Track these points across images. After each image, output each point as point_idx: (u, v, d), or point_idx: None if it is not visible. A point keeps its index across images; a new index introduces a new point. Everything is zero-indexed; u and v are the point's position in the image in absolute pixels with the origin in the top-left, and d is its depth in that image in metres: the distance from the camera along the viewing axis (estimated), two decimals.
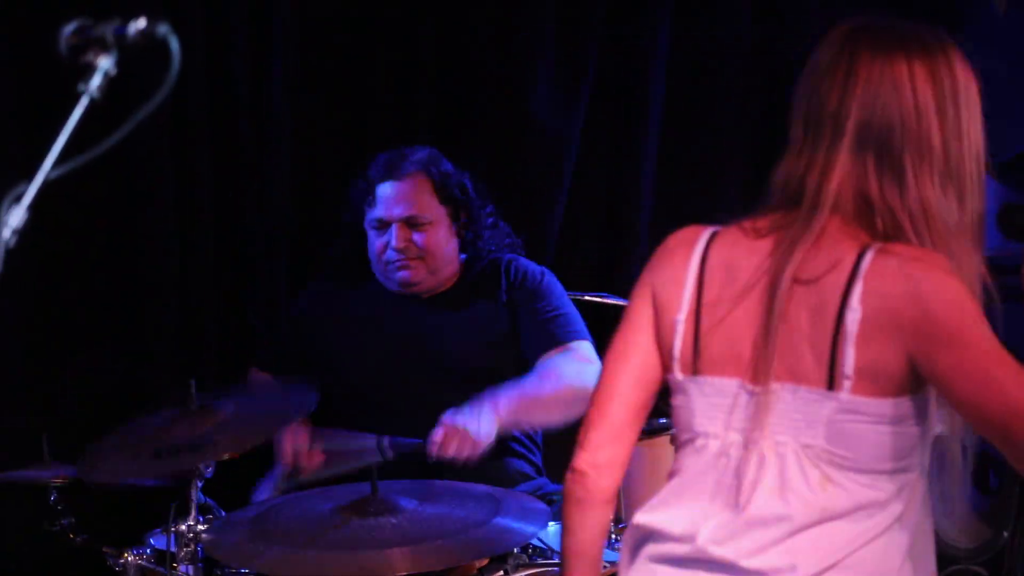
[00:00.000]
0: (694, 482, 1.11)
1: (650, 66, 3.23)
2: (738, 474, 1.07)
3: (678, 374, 1.12)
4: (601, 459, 1.17)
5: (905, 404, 1.04)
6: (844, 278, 1.02)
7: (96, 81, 0.83)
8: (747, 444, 1.07)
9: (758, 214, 1.13)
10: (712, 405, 1.10)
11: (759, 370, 1.06)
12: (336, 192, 2.83)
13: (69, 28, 0.84)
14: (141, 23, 0.83)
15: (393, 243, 2.47)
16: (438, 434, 2.26)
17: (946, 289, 1.01)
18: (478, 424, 2.22)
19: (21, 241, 0.79)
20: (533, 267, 2.59)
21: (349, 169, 2.80)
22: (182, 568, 2.04)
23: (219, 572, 2.21)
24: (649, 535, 1.12)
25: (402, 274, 2.51)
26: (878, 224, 1.04)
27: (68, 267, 2.83)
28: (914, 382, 1.03)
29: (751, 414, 1.06)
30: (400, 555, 1.87)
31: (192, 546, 2.01)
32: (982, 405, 1.02)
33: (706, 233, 1.14)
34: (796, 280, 1.03)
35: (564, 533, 1.21)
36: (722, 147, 3.37)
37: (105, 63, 0.83)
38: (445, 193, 2.55)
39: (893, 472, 1.06)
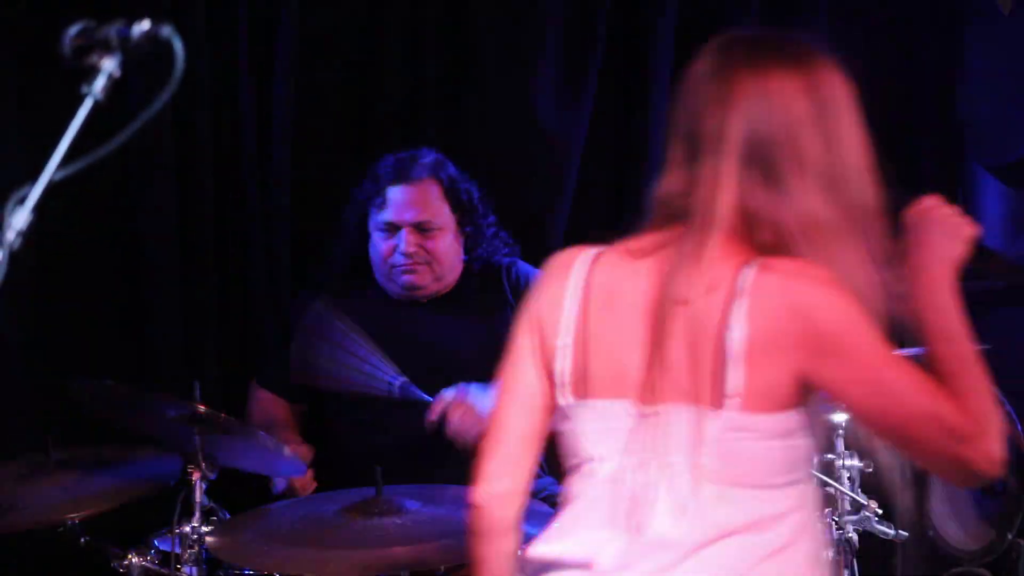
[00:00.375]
0: (588, 508, 1.10)
1: (655, 64, 3.23)
2: (633, 497, 1.06)
3: (566, 399, 1.11)
4: (498, 490, 1.18)
5: (794, 418, 1.04)
6: (727, 296, 1.02)
7: (100, 83, 0.83)
8: (640, 466, 1.06)
9: (637, 233, 1.12)
10: (602, 429, 1.09)
11: (648, 391, 1.05)
12: (338, 198, 2.83)
13: (73, 30, 0.83)
14: (145, 25, 0.83)
15: (402, 247, 2.48)
16: (447, 395, 2.29)
17: (829, 301, 1.01)
18: (485, 403, 2.22)
19: (24, 243, 0.80)
20: (532, 270, 2.59)
21: (352, 173, 2.80)
22: (186, 569, 2.05)
23: (223, 573, 2.23)
24: (547, 566, 1.11)
25: (407, 278, 2.52)
26: (761, 238, 1.04)
27: (66, 272, 2.83)
28: (802, 395, 1.03)
29: (642, 436, 1.06)
30: (403, 553, 1.89)
31: (196, 547, 2.02)
32: (879, 412, 1.03)
33: (585, 255, 1.13)
34: (681, 300, 1.03)
35: (475, 566, 1.22)
36: None
37: (109, 65, 0.83)
38: (454, 199, 2.56)
39: (787, 485, 1.06)
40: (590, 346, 1.10)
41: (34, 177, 0.82)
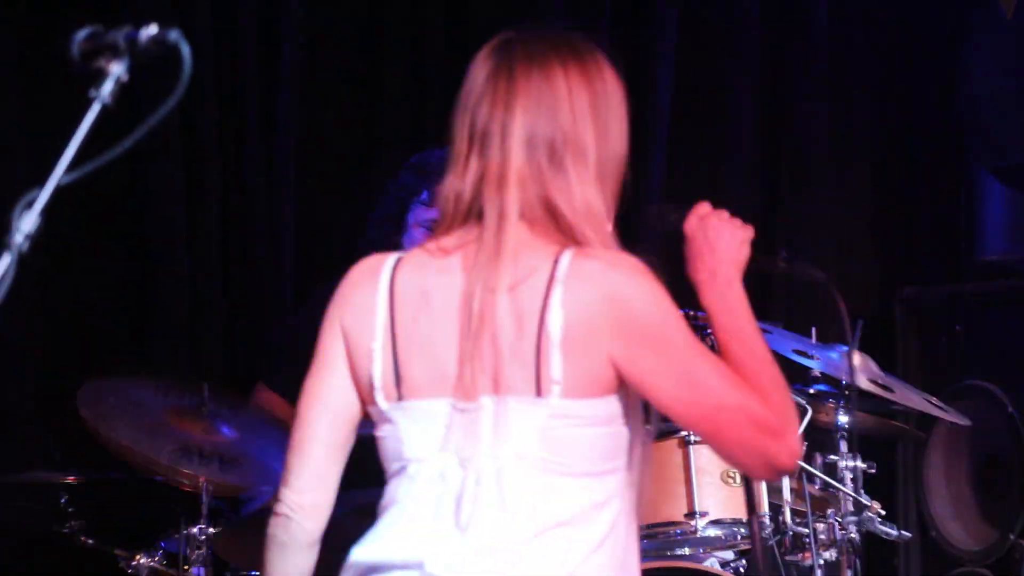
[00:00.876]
0: (414, 510, 1.07)
1: (656, 70, 3.27)
2: (458, 496, 1.04)
3: (382, 403, 1.09)
4: (305, 502, 1.16)
5: (615, 402, 1.06)
6: (543, 285, 1.02)
7: (108, 87, 0.84)
8: (463, 463, 1.05)
9: (438, 233, 1.13)
10: (422, 430, 1.08)
11: (465, 386, 1.04)
12: (343, 199, 2.85)
13: (81, 34, 0.84)
14: (152, 29, 0.84)
15: None
16: None
17: (644, 291, 1.03)
18: None
19: (31, 247, 0.81)
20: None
21: (356, 177, 2.83)
22: (194, 571, 2.08)
23: (230, 575, 2.26)
24: (373, 568, 1.08)
25: None
26: (562, 228, 1.06)
27: (75, 273, 2.88)
28: (621, 381, 1.05)
29: (463, 432, 1.05)
30: None
31: (204, 548, 2.04)
32: (689, 403, 1.05)
33: (389, 260, 1.13)
34: (493, 291, 1.03)
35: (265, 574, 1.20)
36: (730, 136, 3.47)
37: (117, 69, 0.84)
38: None
39: (608, 473, 1.06)
40: (405, 347, 1.09)
41: (41, 181, 0.83)
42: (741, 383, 1.03)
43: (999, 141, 3.43)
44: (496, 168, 1.07)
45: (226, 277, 3.04)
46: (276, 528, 1.15)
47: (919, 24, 3.64)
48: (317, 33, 3.08)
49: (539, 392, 1.02)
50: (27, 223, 0.80)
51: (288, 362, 2.70)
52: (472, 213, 1.09)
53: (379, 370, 1.09)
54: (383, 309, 1.10)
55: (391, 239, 2.61)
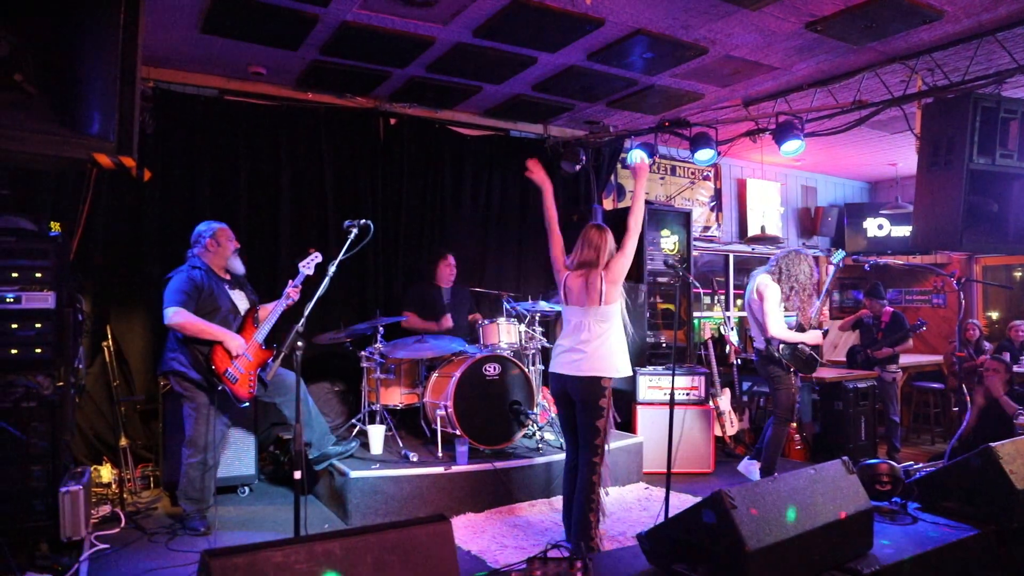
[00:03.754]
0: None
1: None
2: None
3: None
4: None
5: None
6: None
7: (353, 231, 4.14)
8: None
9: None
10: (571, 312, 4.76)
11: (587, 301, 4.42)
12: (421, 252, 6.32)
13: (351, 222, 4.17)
14: (363, 221, 4.15)
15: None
16: None
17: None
18: None
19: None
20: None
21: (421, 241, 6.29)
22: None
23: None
24: (557, 349, 5.02)
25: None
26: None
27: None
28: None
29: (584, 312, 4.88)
30: None
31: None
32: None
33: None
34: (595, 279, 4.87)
35: None
36: None
37: (354, 229, 4.14)
38: None
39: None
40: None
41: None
42: None
43: None
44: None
45: (388, 273, 6.41)
46: None
47: None
48: None
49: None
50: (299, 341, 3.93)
51: (416, 301, 6.12)
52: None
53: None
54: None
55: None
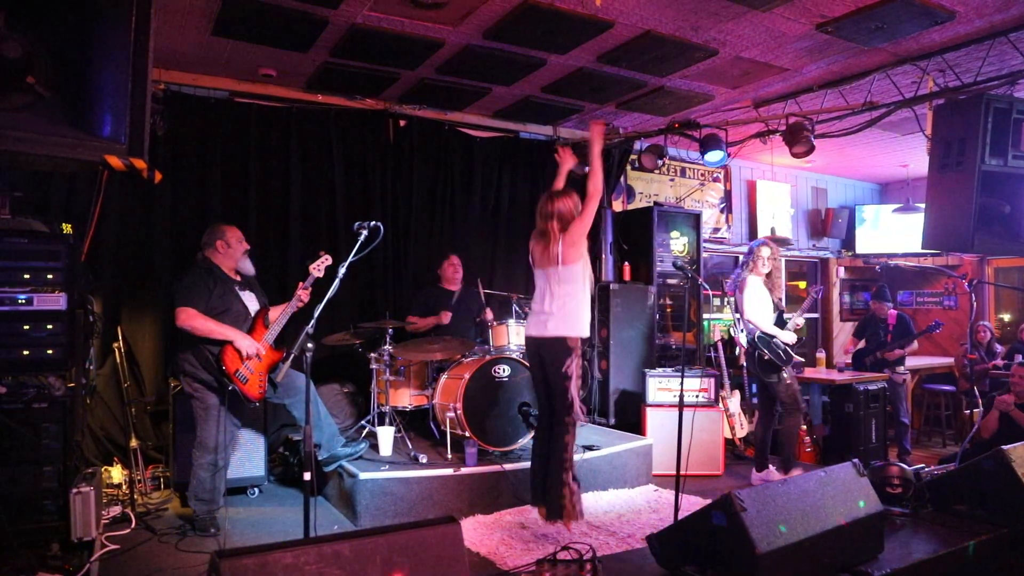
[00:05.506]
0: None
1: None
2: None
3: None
4: None
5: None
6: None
7: (363, 233, 4.15)
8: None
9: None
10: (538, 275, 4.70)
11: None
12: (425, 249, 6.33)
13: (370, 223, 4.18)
14: (373, 223, 4.16)
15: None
16: None
17: None
18: None
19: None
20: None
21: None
22: None
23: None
24: (531, 311, 4.65)
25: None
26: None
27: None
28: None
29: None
30: None
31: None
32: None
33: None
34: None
35: None
36: None
37: (364, 231, 4.15)
38: None
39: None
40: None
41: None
42: None
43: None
44: None
45: (397, 274, 6.42)
46: None
47: None
48: None
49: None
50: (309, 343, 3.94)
51: (422, 306, 6.16)
52: None
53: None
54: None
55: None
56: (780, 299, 6.07)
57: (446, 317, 6.46)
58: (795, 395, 5.90)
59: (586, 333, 4.52)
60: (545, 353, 4.51)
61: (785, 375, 5.87)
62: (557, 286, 4.48)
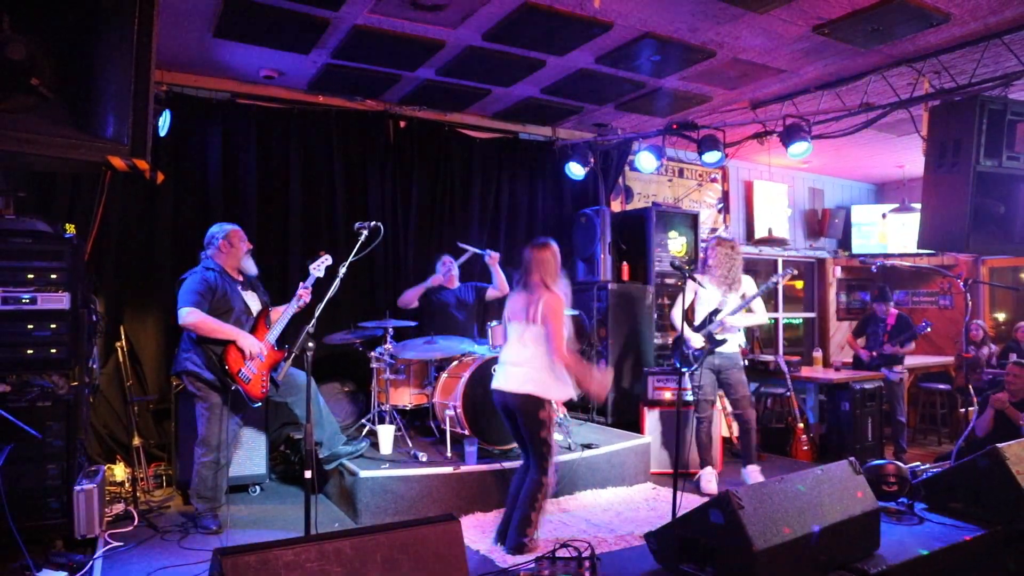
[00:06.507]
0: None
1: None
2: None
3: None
4: None
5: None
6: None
7: (364, 232, 4.18)
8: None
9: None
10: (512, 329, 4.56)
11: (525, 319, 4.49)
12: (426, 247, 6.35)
13: (362, 225, 4.22)
14: (373, 223, 4.19)
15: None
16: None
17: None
18: None
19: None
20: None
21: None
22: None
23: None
24: (499, 361, 4.78)
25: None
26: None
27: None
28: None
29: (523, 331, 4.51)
30: None
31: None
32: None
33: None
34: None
35: None
36: None
37: (365, 230, 4.19)
38: None
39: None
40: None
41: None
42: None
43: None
44: None
45: (397, 274, 6.46)
46: None
47: None
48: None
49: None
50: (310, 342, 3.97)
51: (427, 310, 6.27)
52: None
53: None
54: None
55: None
56: (743, 295, 5.98)
57: (435, 281, 6.55)
58: (699, 401, 6.00)
59: (560, 396, 4.35)
60: (517, 408, 4.30)
61: (695, 378, 5.89)
62: (533, 343, 4.30)
